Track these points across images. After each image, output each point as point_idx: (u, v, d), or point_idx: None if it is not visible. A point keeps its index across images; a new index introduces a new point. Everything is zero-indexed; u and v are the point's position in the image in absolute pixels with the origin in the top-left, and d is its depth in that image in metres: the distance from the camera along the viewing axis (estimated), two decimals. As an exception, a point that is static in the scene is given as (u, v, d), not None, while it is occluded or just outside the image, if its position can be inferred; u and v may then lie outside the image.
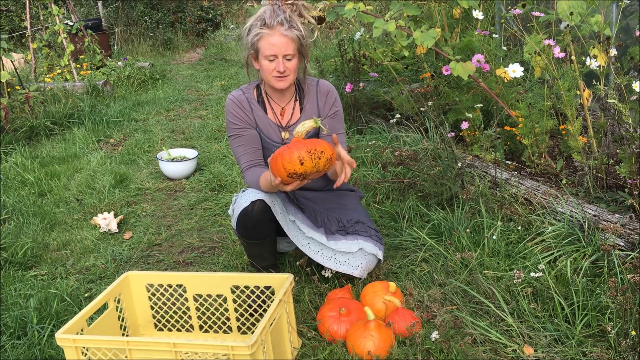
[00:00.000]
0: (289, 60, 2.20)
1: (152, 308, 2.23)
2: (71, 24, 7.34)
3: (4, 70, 5.27)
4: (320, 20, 3.01)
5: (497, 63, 3.50)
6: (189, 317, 2.24)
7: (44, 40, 7.02)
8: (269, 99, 2.37)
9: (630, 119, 2.68)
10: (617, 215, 2.45)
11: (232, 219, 2.39)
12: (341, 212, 2.48)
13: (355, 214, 2.48)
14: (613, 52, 2.89)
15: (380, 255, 2.41)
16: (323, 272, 2.46)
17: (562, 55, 2.83)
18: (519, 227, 2.61)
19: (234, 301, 2.16)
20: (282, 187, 2.05)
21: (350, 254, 2.35)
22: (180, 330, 2.25)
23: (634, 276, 1.95)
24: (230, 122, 2.34)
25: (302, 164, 1.91)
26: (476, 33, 3.50)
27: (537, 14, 2.99)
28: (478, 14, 3.46)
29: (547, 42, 2.86)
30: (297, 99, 2.39)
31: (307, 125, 2.00)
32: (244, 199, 2.27)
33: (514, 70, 2.98)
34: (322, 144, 1.97)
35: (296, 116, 2.39)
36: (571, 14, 2.69)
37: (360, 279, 2.42)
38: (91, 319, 2.03)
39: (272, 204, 2.26)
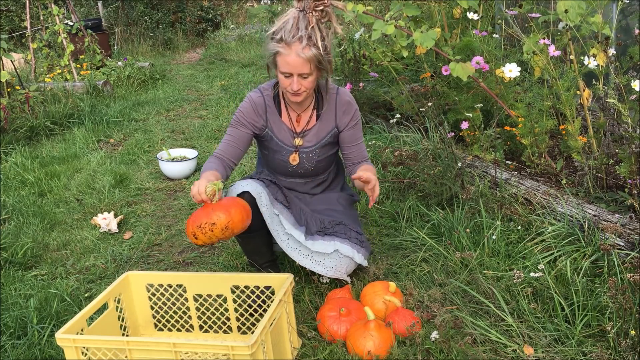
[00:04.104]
0: (305, 78, 2.16)
1: (152, 308, 2.23)
2: (71, 24, 7.35)
3: (4, 70, 5.27)
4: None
5: (497, 63, 3.50)
6: (189, 317, 2.24)
7: (44, 40, 7.02)
8: (287, 104, 2.37)
9: (630, 119, 2.68)
10: (617, 215, 2.45)
11: None
12: (326, 213, 2.47)
13: (340, 215, 2.46)
14: (612, 51, 2.89)
15: (359, 259, 2.35)
16: (321, 279, 2.45)
17: (557, 53, 2.82)
18: (519, 227, 2.61)
19: (234, 301, 2.16)
20: None
21: (326, 255, 2.32)
22: (180, 330, 2.25)
23: (633, 276, 1.95)
24: (238, 115, 2.37)
25: (196, 238, 1.97)
26: (473, 32, 3.51)
27: (534, 15, 2.99)
28: (473, 15, 3.48)
29: (542, 41, 2.86)
30: (315, 106, 2.38)
31: (210, 191, 1.98)
32: (232, 193, 2.28)
33: (510, 70, 2.97)
34: (217, 213, 1.95)
35: (312, 123, 2.38)
36: (566, 11, 2.69)
37: (347, 282, 2.41)
38: (91, 319, 2.03)
39: (259, 195, 2.26)
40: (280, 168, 2.43)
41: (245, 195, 2.24)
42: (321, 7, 2.09)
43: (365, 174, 2.16)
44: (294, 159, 2.40)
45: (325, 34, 2.14)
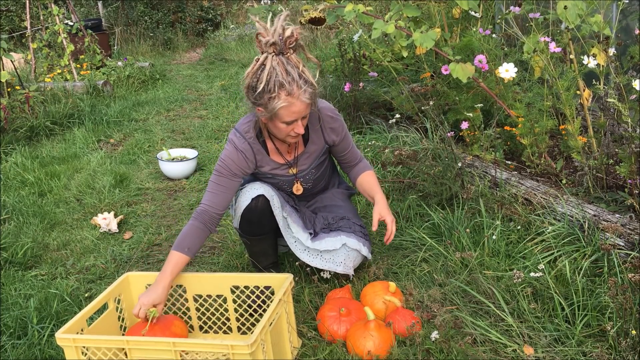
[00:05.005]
0: (305, 118, 2.12)
1: (152, 308, 2.23)
2: (71, 24, 7.35)
3: (4, 70, 5.27)
4: (319, 21, 3.00)
5: (497, 63, 3.50)
6: (189, 317, 2.24)
7: (44, 40, 7.02)
8: (273, 140, 2.29)
9: (630, 119, 2.68)
10: (617, 215, 2.45)
11: (233, 219, 2.40)
12: (328, 210, 2.50)
13: (342, 210, 2.49)
14: (612, 51, 2.89)
15: (365, 252, 2.39)
16: (322, 274, 2.46)
17: (558, 50, 2.81)
18: (519, 227, 2.61)
19: (234, 301, 2.16)
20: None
21: (334, 251, 2.34)
22: (180, 330, 2.25)
23: (634, 276, 1.95)
24: (227, 163, 2.23)
25: None
26: (474, 29, 3.50)
27: (534, 15, 2.99)
28: (476, 14, 3.47)
29: (542, 39, 2.86)
30: None
31: (147, 316, 2.00)
32: (245, 197, 2.28)
33: (507, 70, 2.95)
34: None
35: (301, 148, 2.34)
36: (565, 7, 2.68)
37: (349, 278, 2.42)
38: (91, 319, 2.03)
39: (271, 198, 2.28)
40: (280, 189, 2.44)
41: (259, 199, 2.26)
42: (294, 44, 2.03)
43: (385, 218, 2.32)
44: (298, 189, 2.40)
45: (308, 68, 2.09)
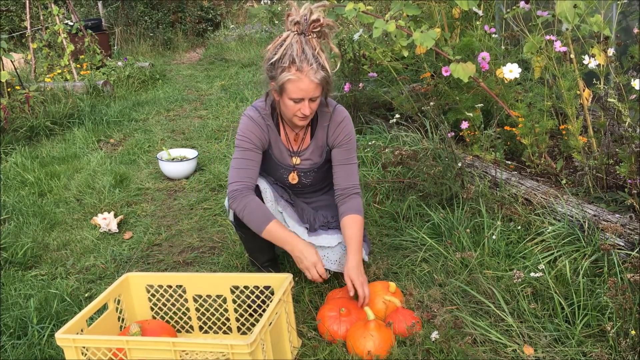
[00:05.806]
0: (313, 101, 2.13)
1: (152, 309, 2.23)
2: (71, 24, 7.35)
3: (4, 70, 5.27)
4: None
5: (497, 63, 3.50)
6: (189, 317, 2.24)
7: (44, 40, 7.03)
8: (284, 124, 2.32)
9: (629, 118, 2.68)
10: (617, 215, 2.45)
11: (229, 213, 2.40)
12: (329, 209, 2.49)
13: None
14: (611, 51, 2.88)
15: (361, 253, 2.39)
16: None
17: (564, 49, 2.80)
18: (519, 227, 2.61)
19: (234, 301, 2.16)
20: None
21: (329, 249, 2.34)
22: (180, 331, 2.25)
23: (633, 276, 1.95)
24: (244, 137, 2.25)
25: None
26: (477, 23, 3.50)
27: (542, 13, 2.99)
28: (478, 11, 3.47)
29: (548, 37, 2.86)
30: (310, 124, 2.34)
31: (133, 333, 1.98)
32: None
33: (511, 70, 2.93)
34: None
35: (306, 142, 2.35)
36: (575, 6, 2.68)
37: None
38: (91, 319, 2.03)
39: (264, 191, 2.28)
40: (278, 181, 2.44)
41: None
42: (318, 29, 2.07)
43: (354, 281, 2.16)
44: (293, 178, 2.40)
45: (327, 54, 2.12)
